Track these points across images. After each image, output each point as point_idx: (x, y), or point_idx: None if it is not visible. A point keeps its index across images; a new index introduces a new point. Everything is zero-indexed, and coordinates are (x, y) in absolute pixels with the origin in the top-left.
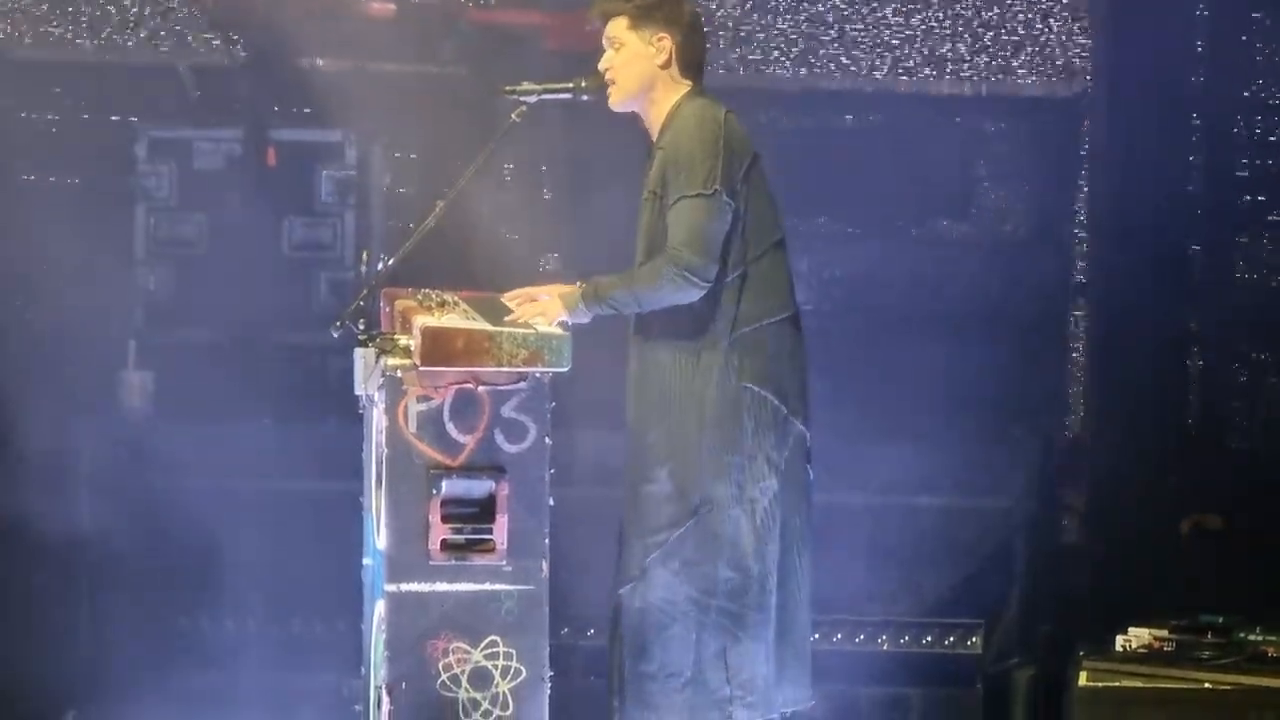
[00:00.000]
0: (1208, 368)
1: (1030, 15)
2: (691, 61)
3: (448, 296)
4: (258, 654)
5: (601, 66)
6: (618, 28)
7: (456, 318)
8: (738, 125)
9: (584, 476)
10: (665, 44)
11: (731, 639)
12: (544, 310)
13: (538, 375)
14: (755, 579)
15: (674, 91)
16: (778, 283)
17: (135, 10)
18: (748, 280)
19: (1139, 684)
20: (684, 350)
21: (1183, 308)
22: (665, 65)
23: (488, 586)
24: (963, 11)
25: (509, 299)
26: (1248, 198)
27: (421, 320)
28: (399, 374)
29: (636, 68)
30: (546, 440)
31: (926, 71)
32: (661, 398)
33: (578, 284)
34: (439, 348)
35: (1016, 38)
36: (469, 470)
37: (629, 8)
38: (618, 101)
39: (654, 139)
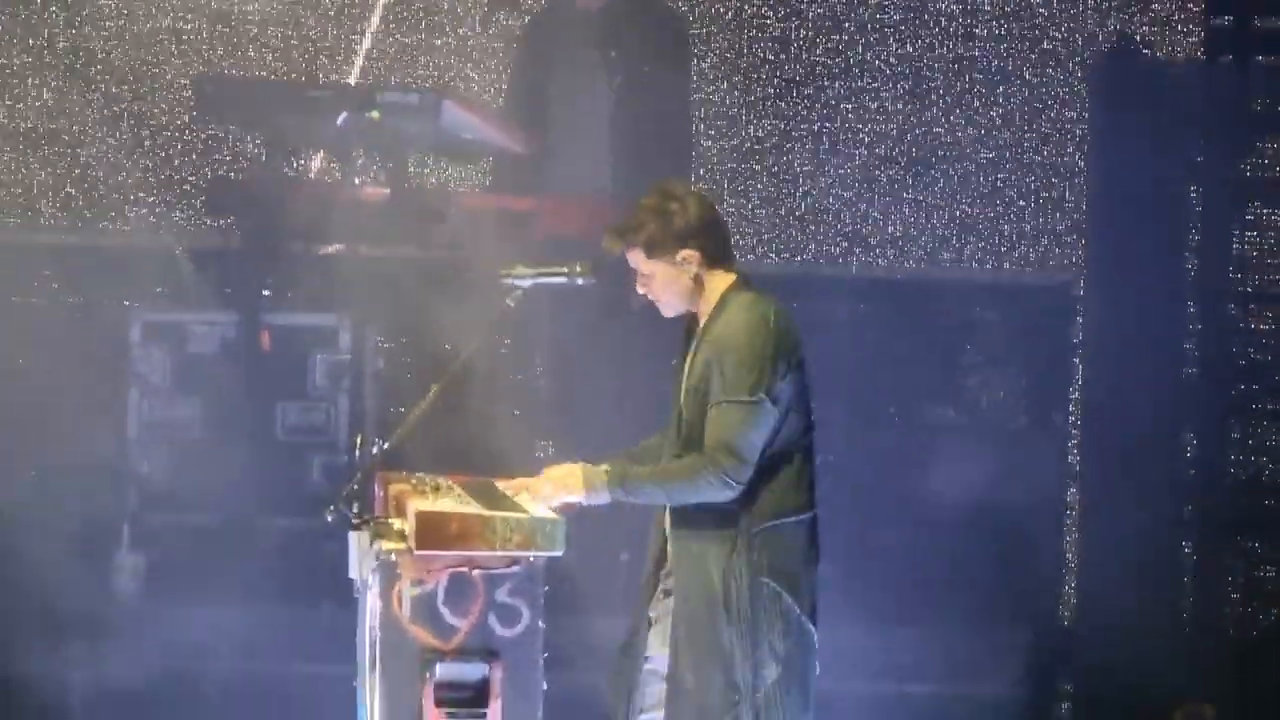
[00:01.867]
0: (1202, 556)
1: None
2: (720, 250)
3: (442, 480)
4: None
5: (639, 291)
6: (637, 260)
7: (451, 502)
8: (787, 322)
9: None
10: (690, 255)
11: None
12: (564, 482)
13: (531, 559)
14: None
15: (719, 281)
16: (802, 481)
17: (129, 194)
18: (776, 477)
19: None
20: (712, 540)
21: (1176, 494)
22: (698, 276)
23: None
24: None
25: (505, 488)
26: (1242, 386)
27: (416, 504)
28: (393, 558)
29: (675, 289)
30: (540, 624)
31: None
32: (684, 586)
33: (604, 468)
34: (433, 532)
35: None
36: (462, 654)
37: (639, 241)
38: (670, 313)
39: (700, 321)
